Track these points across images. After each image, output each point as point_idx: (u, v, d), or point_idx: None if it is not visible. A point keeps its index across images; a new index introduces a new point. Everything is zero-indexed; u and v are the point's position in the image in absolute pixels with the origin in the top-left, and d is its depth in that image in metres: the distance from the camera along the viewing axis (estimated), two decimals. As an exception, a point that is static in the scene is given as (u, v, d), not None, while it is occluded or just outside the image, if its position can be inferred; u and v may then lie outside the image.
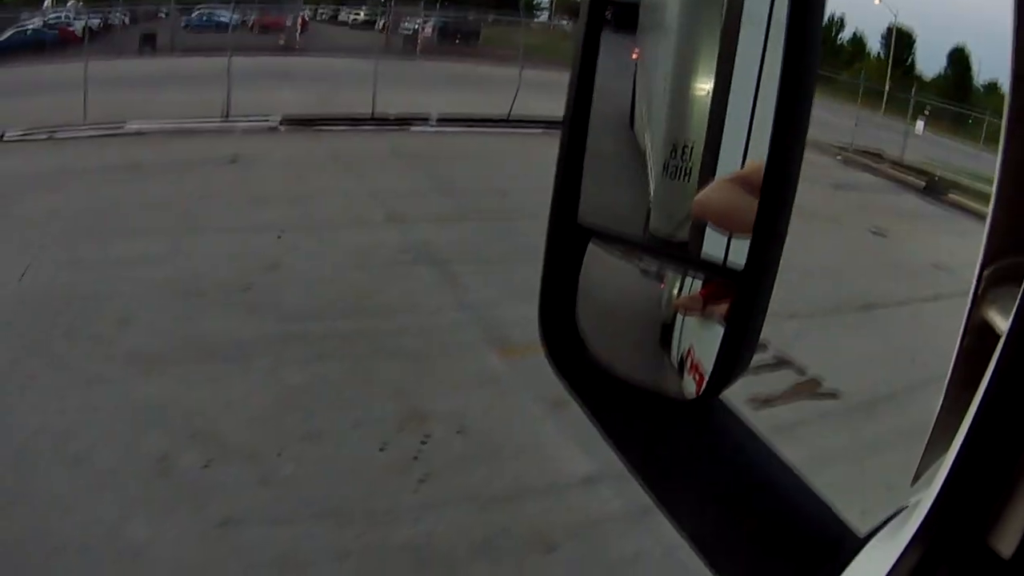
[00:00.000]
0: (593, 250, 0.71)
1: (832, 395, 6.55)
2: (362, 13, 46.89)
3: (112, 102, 15.87)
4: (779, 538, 0.70)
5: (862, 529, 0.67)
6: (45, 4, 40.86)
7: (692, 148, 0.66)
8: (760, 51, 0.62)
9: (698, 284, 0.68)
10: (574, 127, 0.69)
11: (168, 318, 6.68)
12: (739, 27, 0.64)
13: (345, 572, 4.07)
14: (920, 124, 24.81)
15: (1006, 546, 0.50)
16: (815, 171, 17.27)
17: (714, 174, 0.65)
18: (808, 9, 0.59)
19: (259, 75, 21.71)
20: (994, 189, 0.63)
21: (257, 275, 7.70)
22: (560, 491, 4.85)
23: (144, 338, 6.33)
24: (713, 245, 0.65)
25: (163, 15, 42.88)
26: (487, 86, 21.46)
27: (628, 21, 0.73)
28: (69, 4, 43.51)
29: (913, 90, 29.15)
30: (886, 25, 56.90)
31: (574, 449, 5.04)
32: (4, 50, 26.93)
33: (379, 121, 16.20)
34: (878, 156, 19.81)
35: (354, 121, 15.96)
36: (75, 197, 10.46)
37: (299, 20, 26.46)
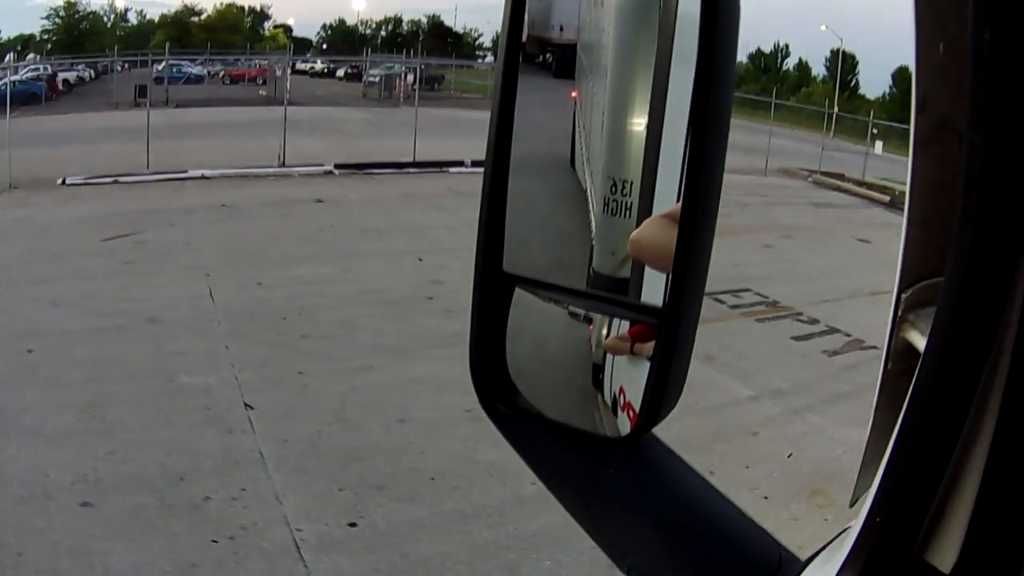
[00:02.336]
0: (522, 295, 0.74)
1: (875, 347, 8.64)
2: (319, 63, 48.53)
3: (153, 150, 17.09)
4: (721, 567, 0.72)
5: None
6: (7, 59, 41.58)
7: (632, 185, 0.71)
8: (690, 88, 0.63)
9: (627, 323, 0.73)
10: (495, 181, 0.73)
11: (384, 321, 8.10)
12: (670, 65, 0.67)
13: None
14: (879, 144, 27.59)
15: (944, 561, 0.53)
16: (794, 193, 19.94)
17: (651, 211, 0.68)
18: (718, 46, 0.62)
19: (270, 125, 23.16)
20: (905, 213, 0.65)
21: (429, 288, 9.18)
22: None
23: (377, 336, 7.74)
24: (652, 282, 0.68)
25: (118, 69, 43.82)
26: (477, 129, 23.32)
27: (567, 68, 0.80)
28: (28, 57, 44.38)
29: (871, 114, 31.73)
30: (829, 49, 61.69)
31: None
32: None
33: (420, 165, 17.83)
34: (841, 177, 22.65)
35: (398, 166, 17.55)
36: (196, 232, 11.74)
37: (287, 71, 27.84)
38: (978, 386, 0.51)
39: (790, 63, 71.75)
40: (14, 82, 30.27)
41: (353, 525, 4.99)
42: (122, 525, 4.96)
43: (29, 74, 32.35)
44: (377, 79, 38.71)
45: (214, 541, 4.79)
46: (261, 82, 37.68)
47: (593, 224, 0.75)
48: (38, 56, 44.19)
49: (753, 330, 9.07)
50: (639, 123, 0.69)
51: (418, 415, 6.26)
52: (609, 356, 0.75)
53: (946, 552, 0.53)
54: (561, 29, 0.79)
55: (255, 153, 17.64)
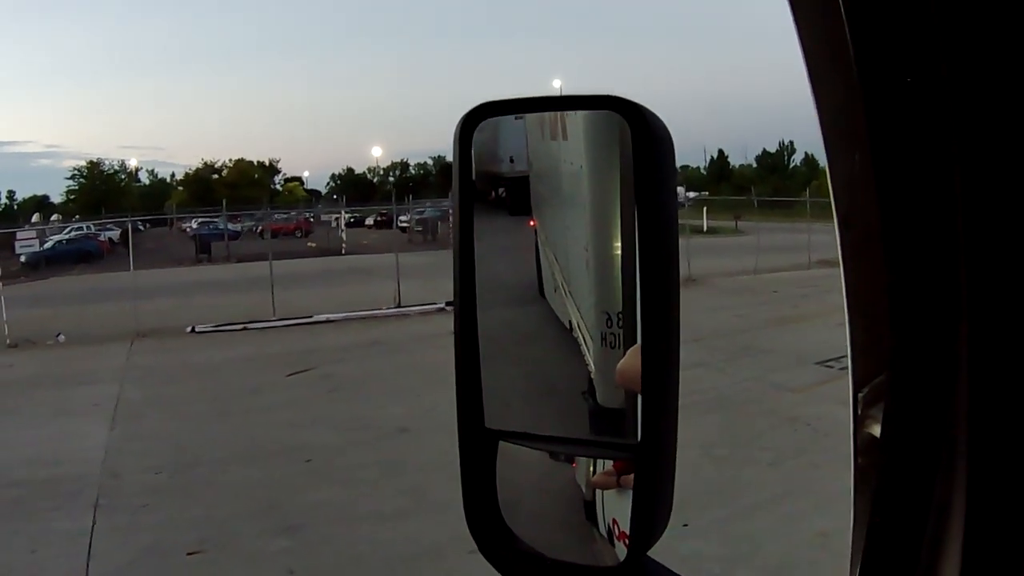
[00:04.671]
0: (506, 445, 0.83)
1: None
2: (343, 213, 51.20)
3: (261, 300, 19.27)
4: None
5: None
6: (33, 219, 44.77)
7: (623, 316, 0.76)
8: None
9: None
10: (464, 342, 0.83)
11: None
12: (632, 188, 0.72)
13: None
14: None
15: None
16: (839, 282, 22.16)
17: (635, 338, 0.74)
18: (656, 170, 0.70)
19: (347, 273, 25.65)
20: (847, 323, 0.75)
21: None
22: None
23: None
24: None
25: (141, 228, 47.16)
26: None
27: (523, 204, 0.86)
28: (53, 218, 47.67)
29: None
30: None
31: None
32: (54, 258, 30.41)
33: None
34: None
35: (502, 305, 19.80)
36: (370, 364, 13.74)
37: (341, 222, 30.48)
38: (939, 464, 0.58)
39: (797, 159, 76.66)
40: (63, 241, 33.23)
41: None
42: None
43: (74, 234, 35.17)
44: (410, 223, 41.33)
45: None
46: (300, 235, 40.45)
47: (591, 359, 0.79)
48: (60, 216, 47.45)
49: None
50: (619, 253, 0.74)
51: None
52: (598, 491, 0.81)
53: None
54: (511, 160, 0.85)
55: (357, 297, 19.86)
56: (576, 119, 0.81)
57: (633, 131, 0.70)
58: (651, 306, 0.70)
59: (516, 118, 0.85)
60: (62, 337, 17.32)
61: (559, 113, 0.84)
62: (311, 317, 18.01)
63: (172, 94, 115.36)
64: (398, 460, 9.10)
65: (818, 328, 14.59)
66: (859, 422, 0.76)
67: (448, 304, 19.30)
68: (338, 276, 24.92)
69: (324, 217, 49.49)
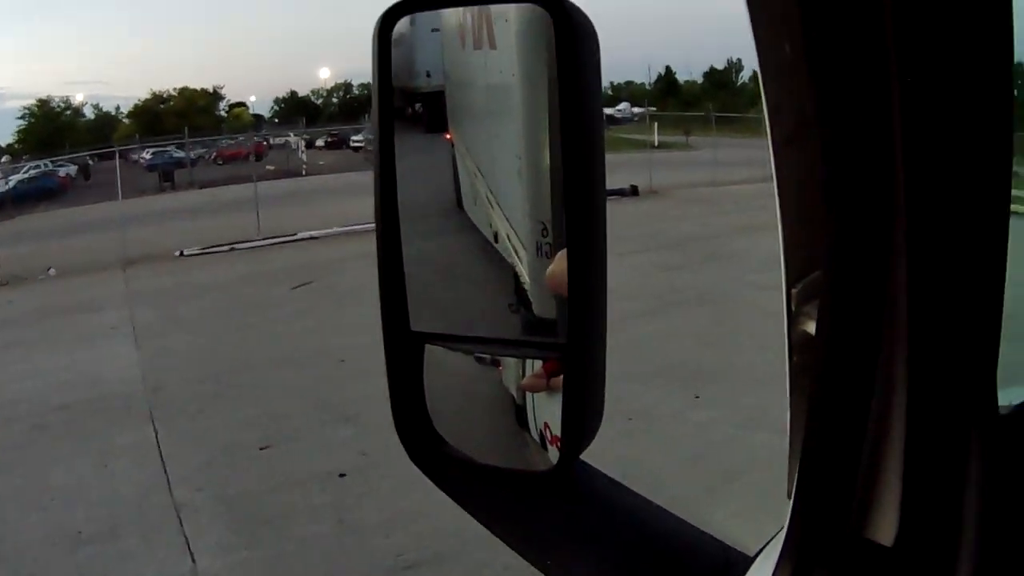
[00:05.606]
0: (433, 349, 0.81)
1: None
2: (291, 135, 49.78)
3: (236, 223, 19.38)
4: None
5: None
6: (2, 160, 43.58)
7: (553, 225, 0.73)
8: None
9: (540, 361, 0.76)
10: (386, 241, 0.79)
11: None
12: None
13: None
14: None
15: (884, 534, 0.57)
16: None
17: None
18: (580, 68, 0.68)
19: (316, 193, 25.73)
20: (778, 214, 0.71)
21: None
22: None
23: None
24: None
25: (91, 162, 46.28)
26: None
27: (440, 120, 0.80)
28: (2, 160, 46.25)
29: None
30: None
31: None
32: (19, 197, 29.91)
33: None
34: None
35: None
36: (365, 276, 13.53)
37: (301, 146, 30.19)
38: (876, 363, 0.57)
39: (745, 76, 77.10)
40: (24, 180, 32.58)
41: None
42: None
43: (32, 172, 34.44)
44: (364, 143, 40.98)
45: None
46: (254, 159, 39.79)
47: (524, 270, 0.75)
48: (10, 158, 46.29)
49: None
50: (548, 162, 0.71)
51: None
52: (529, 395, 0.78)
53: (884, 526, 0.58)
54: (428, 75, 0.81)
55: (333, 215, 19.77)
56: (507, 27, 0.76)
57: (556, 25, 0.68)
58: (576, 203, 0.68)
59: (432, 29, 0.81)
60: (53, 271, 17.27)
61: (485, 22, 0.77)
62: (295, 235, 18.18)
63: (109, 26, 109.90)
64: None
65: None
66: (792, 319, 0.73)
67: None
68: (308, 196, 24.87)
69: (275, 140, 48.67)
